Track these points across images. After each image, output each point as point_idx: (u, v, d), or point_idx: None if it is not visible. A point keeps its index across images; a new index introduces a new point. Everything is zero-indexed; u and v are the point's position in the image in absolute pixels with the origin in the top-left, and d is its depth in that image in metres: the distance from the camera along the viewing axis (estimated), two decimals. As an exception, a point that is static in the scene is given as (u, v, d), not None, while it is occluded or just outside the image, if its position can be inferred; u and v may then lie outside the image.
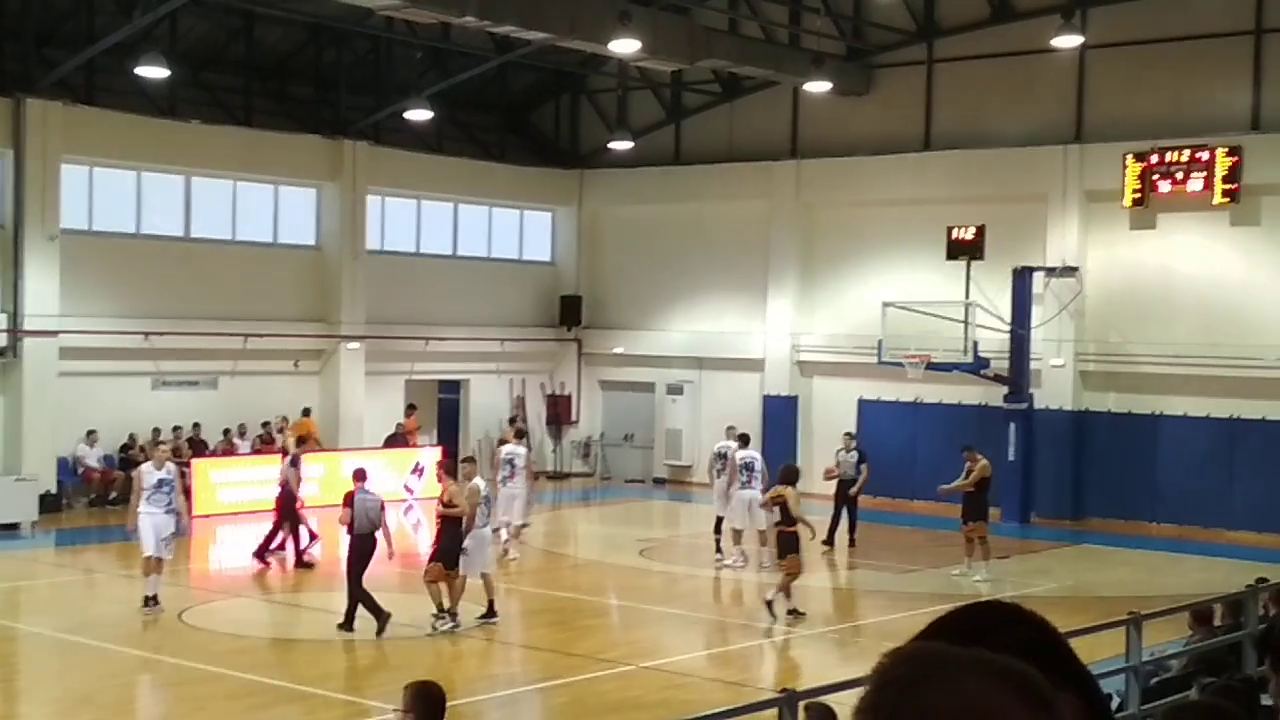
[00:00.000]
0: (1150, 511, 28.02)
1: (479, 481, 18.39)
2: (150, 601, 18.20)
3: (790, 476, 19.45)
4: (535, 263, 36.09)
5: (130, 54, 26.44)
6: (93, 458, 27.66)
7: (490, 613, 18.05)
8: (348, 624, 17.29)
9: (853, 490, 25.53)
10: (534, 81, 36.15)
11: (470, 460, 19.81)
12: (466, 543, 17.70)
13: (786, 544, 18.93)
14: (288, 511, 22.34)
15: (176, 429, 28.37)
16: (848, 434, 26.90)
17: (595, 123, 35.88)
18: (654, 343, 34.60)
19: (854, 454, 25.85)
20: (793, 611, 18.76)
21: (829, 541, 24.70)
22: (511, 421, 30.35)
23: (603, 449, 35.55)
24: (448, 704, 8.22)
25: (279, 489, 22.56)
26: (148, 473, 18.71)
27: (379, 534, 17.52)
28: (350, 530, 17.42)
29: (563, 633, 18.33)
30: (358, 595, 17.19)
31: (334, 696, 14.82)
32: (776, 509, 19.21)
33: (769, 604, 18.87)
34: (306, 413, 30.24)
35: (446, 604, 17.56)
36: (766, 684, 14.46)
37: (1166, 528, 27.54)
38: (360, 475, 18.10)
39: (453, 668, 16.19)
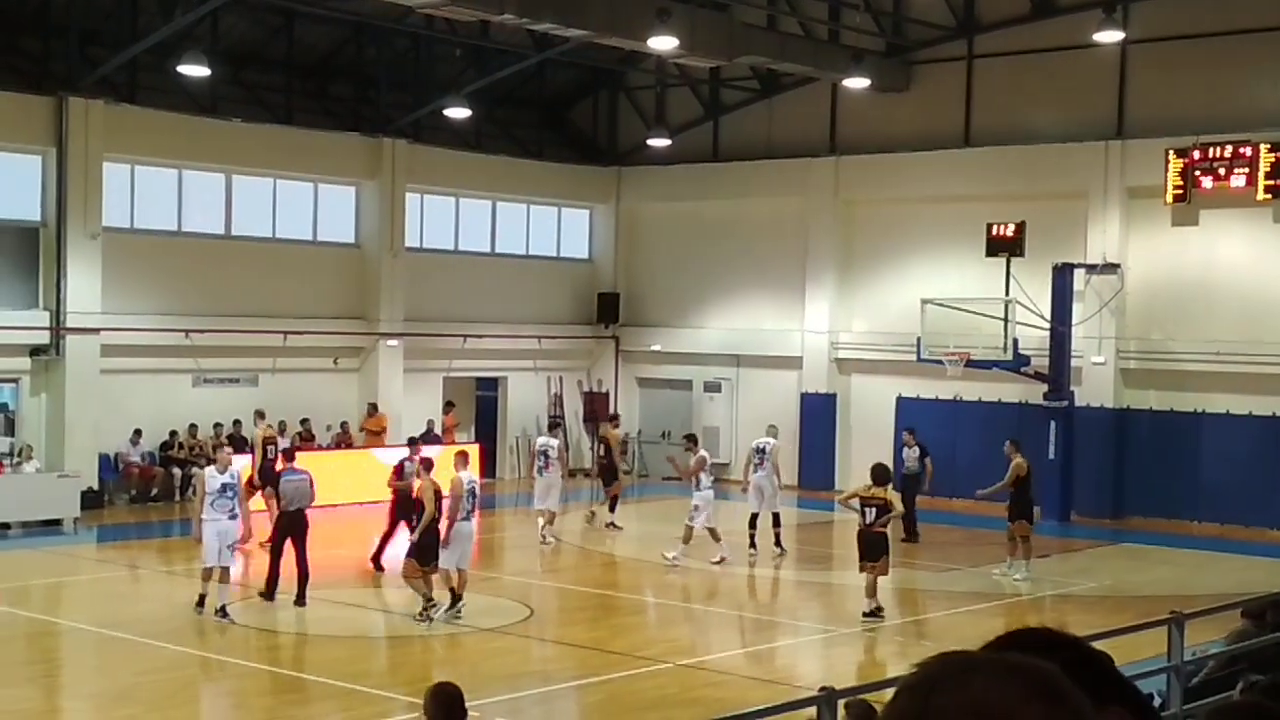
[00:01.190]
0: (1192, 510, 27.80)
1: (464, 475, 18.35)
2: (220, 612, 17.48)
3: (884, 476, 19.21)
4: (573, 260, 36.12)
5: (172, 53, 26.62)
6: (135, 454, 27.89)
7: (454, 604, 17.95)
8: (269, 593, 18.71)
9: (924, 488, 25.59)
10: (572, 79, 36.17)
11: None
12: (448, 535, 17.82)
13: (878, 544, 18.66)
14: (403, 512, 20.48)
15: (217, 426, 28.54)
16: (908, 430, 26.76)
17: (633, 120, 35.87)
18: (692, 340, 34.56)
19: (916, 449, 25.85)
20: (874, 612, 18.56)
21: (912, 538, 24.78)
22: (551, 421, 30.46)
23: (640, 446, 35.54)
24: (468, 700, 8.18)
25: (400, 490, 20.90)
26: (211, 477, 17.96)
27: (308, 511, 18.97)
28: (280, 508, 18.97)
29: (599, 630, 18.33)
30: (277, 568, 18.65)
31: (371, 692, 14.86)
32: (873, 510, 18.68)
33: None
34: (374, 409, 30.45)
35: (431, 593, 17.71)
36: (805, 682, 14.41)
37: (1208, 526, 27.32)
38: (289, 455, 19.93)
39: (490, 664, 16.21)
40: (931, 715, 1.49)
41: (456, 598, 18.05)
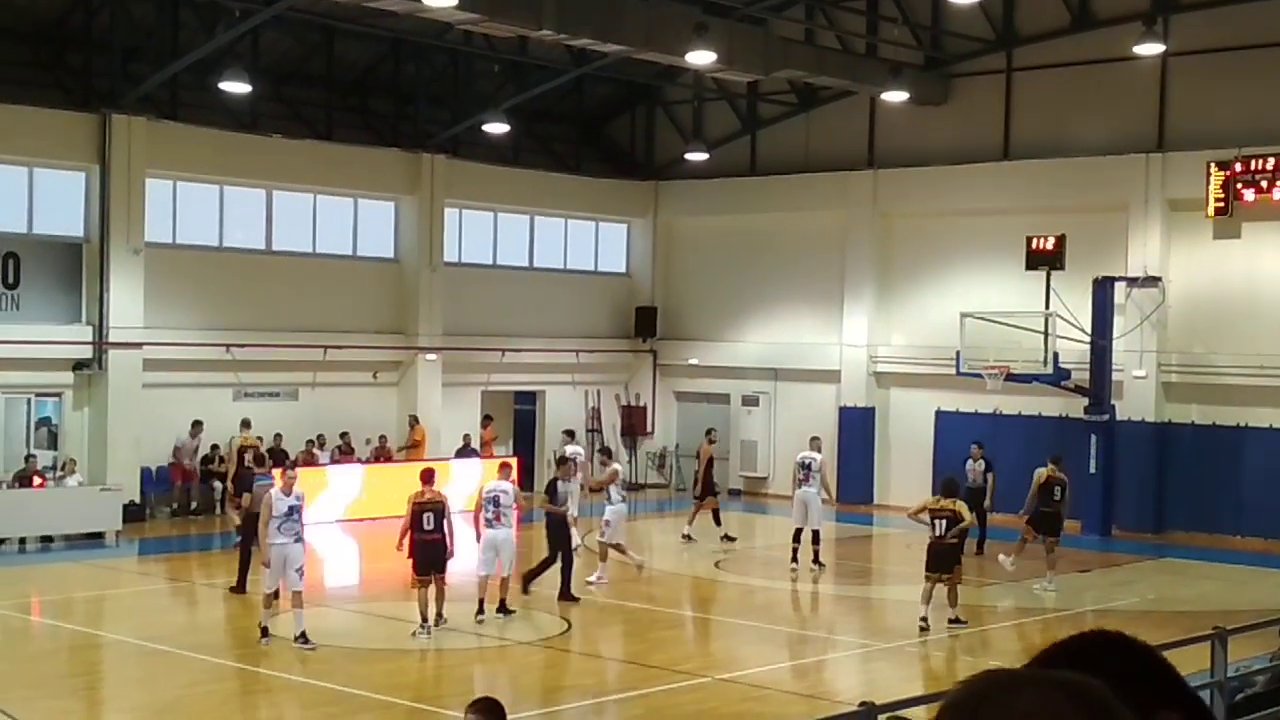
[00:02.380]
0: (1234, 525, 27.57)
1: (492, 482, 19.38)
2: (300, 638, 16.88)
3: (953, 489, 19.62)
4: (611, 274, 36.17)
5: (213, 70, 26.84)
6: (189, 452, 27.84)
7: (501, 609, 18.83)
8: (239, 588, 19.99)
9: (985, 503, 25.28)
10: (610, 94, 36.26)
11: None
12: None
13: (948, 556, 18.93)
14: (562, 537, 20.42)
15: (259, 439, 28.74)
16: (976, 443, 26.55)
17: (671, 134, 35.92)
18: (729, 354, 34.55)
19: (981, 463, 25.70)
20: (955, 620, 18.92)
21: (978, 550, 24.62)
22: (590, 435, 30.46)
23: (678, 460, 35.53)
24: (513, 714, 8.19)
25: (555, 513, 20.51)
26: (277, 500, 17.30)
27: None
28: (248, 509, 20.24)
29: (638, 644, 18.32)
30: (247, 565, 19.86)
31: (411, 705, 14.90)
32: (943, 522, 18.91)
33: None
34: (414, 421, 30.57)
35: (429, 612, 17.86)
36: (844, 697, 14.37)
37: (1251, 541, 27.08)
38: (260, 460, 22.34)
39: (529, 678, 16.23)
40: None
41: (501, 604, 18.75)
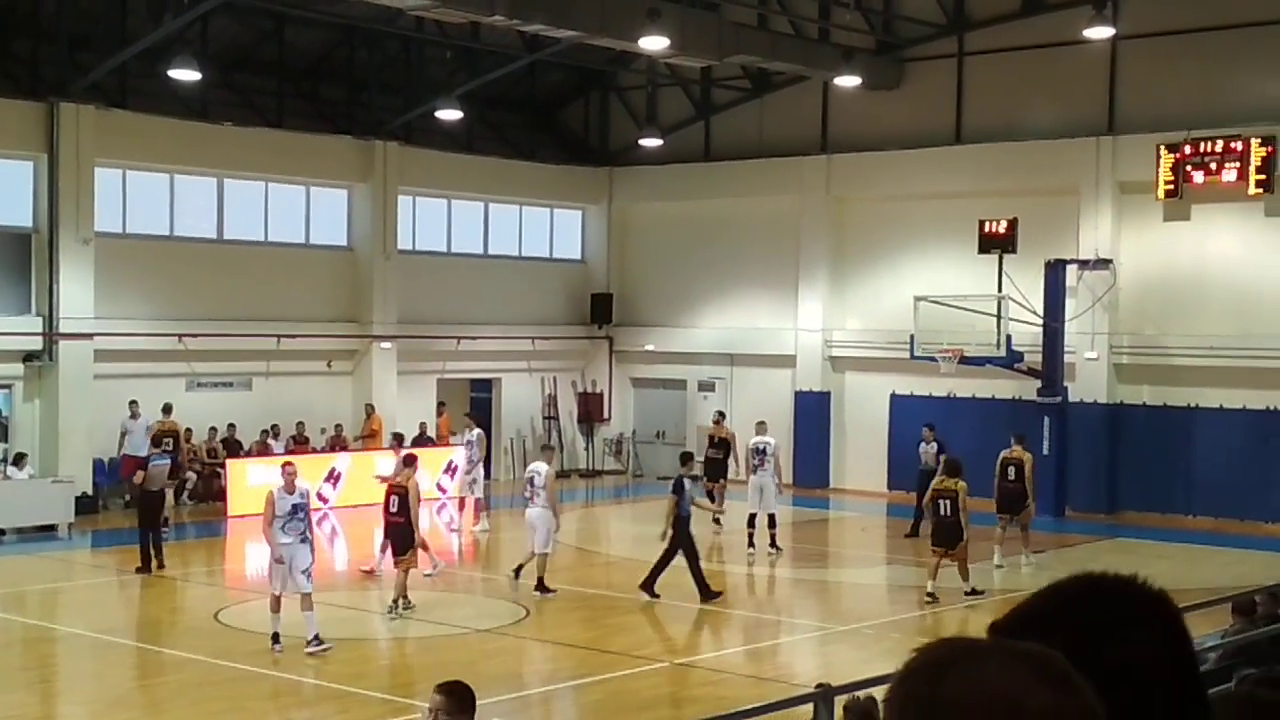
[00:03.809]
0: (1186, 504, 27.84)
1: (534, 465, 20.52)
2: (314, 640, 16.25)
3: (956, 469, 20.18)
4: (566, 261, 36.12)
5: (162, 57, 26.58)
6: (139, 434, 26.81)
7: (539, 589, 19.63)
8: (144, 567, 20.99)
9: (934, 483, 25.35)
10: (563, 80, 36.17)
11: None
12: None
13: (952, 532, 19.65)
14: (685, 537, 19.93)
15: (213, 429, 28.63)
16: (928, 426, 26.72)
17: (625, 120, 35.87)
18: (685, 340, 34.58)
19: (934, 445, 25.86)
20: (972, 591, 19.71)
21: (913, 533, 24.96)
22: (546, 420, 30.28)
23: (635, 446, 35.55)
24: (478, 701, 8.20)
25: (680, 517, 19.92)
26: (280, 499, 16.54)
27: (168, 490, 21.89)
28: (143, 488, 21.58)
29: (596, 630, 18.33)
30: (148, 541, 21.16)
31: (369, 695, 14.86)
32: (946, 502, 19.68)
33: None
34: (371, 410, 30.43)
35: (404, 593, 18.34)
36: (801, 680, 14.43)
37: (1203, 520, 27.36)
38: (156, 442, 23.17)
39: (486, 665, 16.22)
40: (945, 702, 1.50)
41: (539, 583, 19.56)
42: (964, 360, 27.94)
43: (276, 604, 16.37)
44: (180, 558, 22.70)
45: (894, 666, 1.63)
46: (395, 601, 18.31)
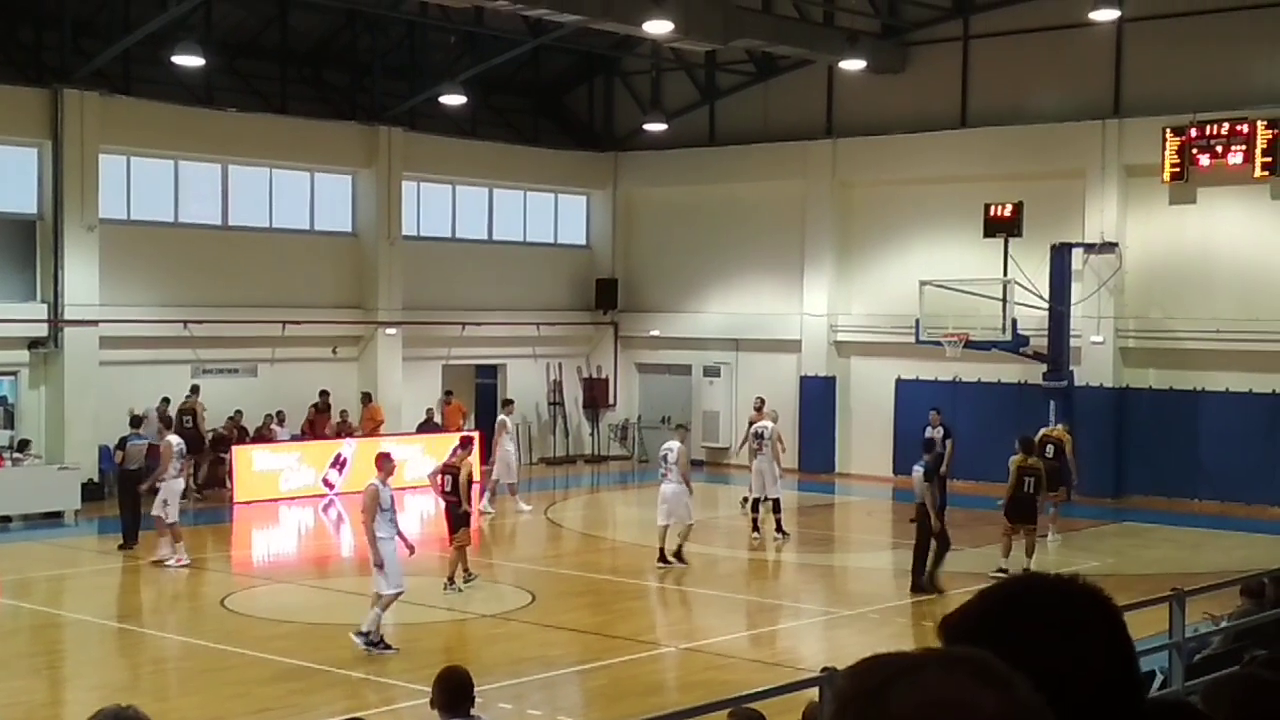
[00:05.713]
0: (1192, 488, 27.81)
1: (669, 443, 21.59)
2: (381, 644, 15.70)
3: (1031, 445, 20.77)
4: (571, 246, 36.08)
5: (166, 43, 26.55)
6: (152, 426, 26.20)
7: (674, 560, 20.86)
8: (127, 544, 21.64)
9: (942, 469, 25.26)
10: (567, 64, 36.09)
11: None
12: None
13: (1033, 508, 20.30)
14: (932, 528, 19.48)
15: (237, 412, 28.72)
16: (934, 410, 26.67)
17: (629, 105, 35.80)
18: (690, 325, 34.54)
19: (940, 429, 25.77)
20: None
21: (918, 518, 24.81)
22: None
23: (640, 432, 35.54)
24: (478, 686, 8.20)
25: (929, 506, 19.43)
26: (382, 490, 15.84)
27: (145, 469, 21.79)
28: (122, 466, 22.17)
29: (601, 615, 18.35)
30: (127, 517, 21.77)
31: (375, 680, 14.88)
32: (1031, 480, 20.11)
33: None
34: (367, 398, 30.38)
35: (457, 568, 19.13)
36: (807, 664, 14.43)
37: (1208, 504, 27.33)
38: (135, 423, 22.76)
39: (493, 650, 16.23)
40: (894, 717, 1.49)
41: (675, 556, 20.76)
42: (969, 344, 27.88)
43: (389, 602, 15.82)
44: (186, 543, 22.69)
45: (901, 650, 1.61)
46: (450, 578, 18.92)
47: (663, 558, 20.88)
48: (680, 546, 21.02)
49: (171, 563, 20.76)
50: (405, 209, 32.05)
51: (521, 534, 25.40)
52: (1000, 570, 19.68)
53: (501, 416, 27.43)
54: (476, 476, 20.16)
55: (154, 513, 21.21)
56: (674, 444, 21.37)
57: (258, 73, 31.00)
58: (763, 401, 25.93)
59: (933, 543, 19.29)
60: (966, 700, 1.48)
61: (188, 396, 27.70)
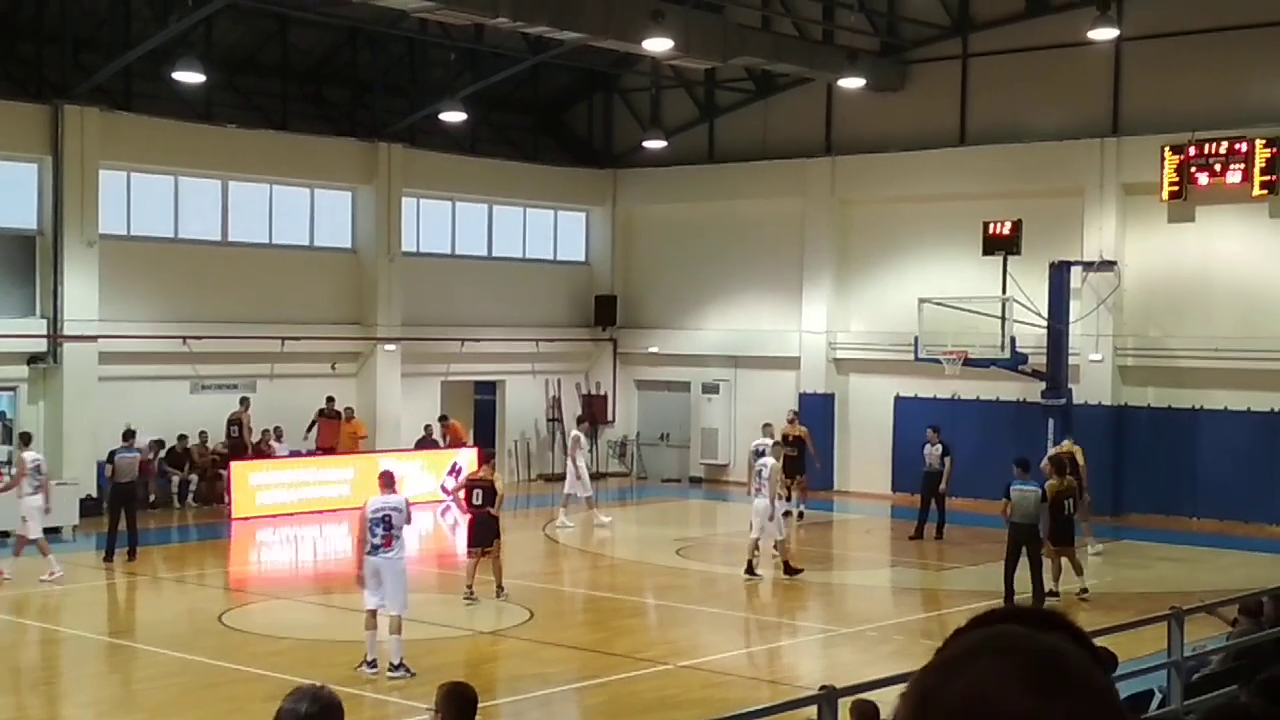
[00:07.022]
0: (1191, 506, 27.80)
1: (764, 454, 22.31)
2: (370, 664, 15.41)
3: (1064, 466, 20.71)
4: (570, 263, 36.11)
5: (166, 59, 26.60)
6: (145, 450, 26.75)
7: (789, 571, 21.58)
8: (108, 557, 22.03)
9: (941, 487, 25.55)
10: (567, 82, 36.17)
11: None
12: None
13: (1071, 529, 20.34)
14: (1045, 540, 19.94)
15: (202, 432, 28.68)
16: (932, 428, 26.62)
17: (629, 122, 35.87)
18: (689, 342, 34.56)
19: (939, 447, 25.79)
20: (1084, 591, 20.14)
21: (917, 535, 25.02)
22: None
23: (639, 448, 35.54)
24: (479, 704, 8.19)
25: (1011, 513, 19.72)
26: (374, 507, 15.57)
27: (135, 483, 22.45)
28: (113, 480, 22.42)
29: (600, 632, 18.33)
30: (114, 531, 21.96)
31: (372, 697, 14.85)
32: (1070, 501, 20.10)
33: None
34: (349, 414, 30.31)
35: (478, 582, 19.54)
36: (805, 682, 14.41)
37: (1207, 523, 27.32)
38: (128, 436, 23.12)
39: (491, 667, 16.22)
40: (932, 700, 1.49)
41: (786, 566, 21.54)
42: (968, 362, 27.91)
43: (370, 621, 15.62)
44: (180, 561, 22.71)
45: (898, 669, 1.62)
46: (500, 586, 19.47)
47: (750, 569, 21.49)
48: (787, 562, 21.67)
49: (45, 576, 20.45)
50: (405, 225, 32.08)
51: (520, 551, 25.33)
52: (1051, 593, 19.65)
53: (575, 432, 28.08)
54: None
55: (17, 531, 21.05)
56: (769, 460, 21.87)
57: (258, 89, 31.06)
58: (796, 415, 26.46)
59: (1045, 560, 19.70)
60: (994, 697, 1.47)
61: (238, 409, 28.77)
